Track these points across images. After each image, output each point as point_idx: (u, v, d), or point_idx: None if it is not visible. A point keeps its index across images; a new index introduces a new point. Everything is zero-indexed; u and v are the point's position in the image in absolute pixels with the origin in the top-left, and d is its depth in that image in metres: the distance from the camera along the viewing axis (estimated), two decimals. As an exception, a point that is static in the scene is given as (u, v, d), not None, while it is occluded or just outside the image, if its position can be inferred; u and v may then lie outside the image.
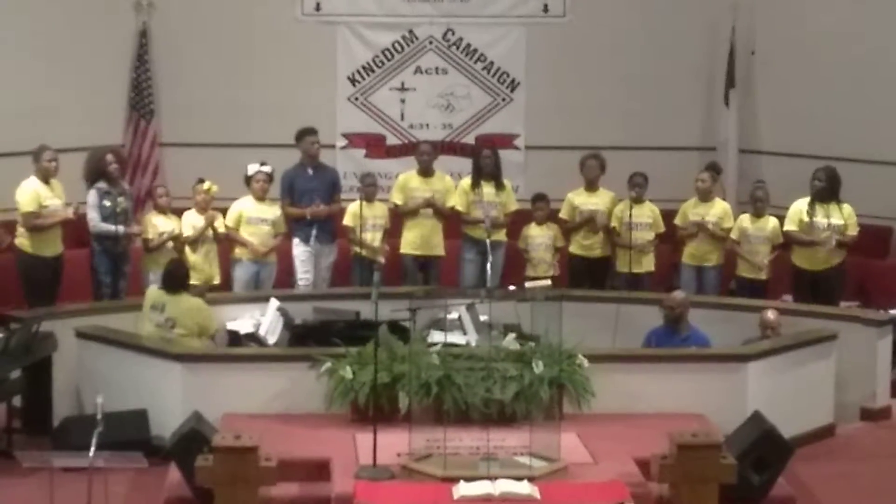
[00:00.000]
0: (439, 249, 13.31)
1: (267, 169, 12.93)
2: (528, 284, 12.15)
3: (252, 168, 12.92)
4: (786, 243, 12.86)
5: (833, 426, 11.18)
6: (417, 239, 13.24)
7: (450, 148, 15.18)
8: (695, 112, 15.33)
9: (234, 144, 14.36)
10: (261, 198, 12.90)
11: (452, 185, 13.48)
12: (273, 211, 12.93)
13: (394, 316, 10.02)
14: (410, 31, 15.29)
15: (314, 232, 13.07)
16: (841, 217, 12.57)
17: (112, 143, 13.94)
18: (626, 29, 15.16)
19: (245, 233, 12.84)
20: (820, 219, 12.60)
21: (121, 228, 12.32)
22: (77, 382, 10.88)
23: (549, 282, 12.43)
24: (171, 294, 11.15)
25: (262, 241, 12.83)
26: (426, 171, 13.42)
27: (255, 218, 12.86)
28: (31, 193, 12.20)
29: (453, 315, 11.15)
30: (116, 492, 9.28)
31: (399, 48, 15.30)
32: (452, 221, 13.42)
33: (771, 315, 11.40)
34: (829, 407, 11.16)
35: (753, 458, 9.27)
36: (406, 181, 13.44)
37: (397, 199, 13.32)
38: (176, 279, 11.28)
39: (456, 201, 13.30)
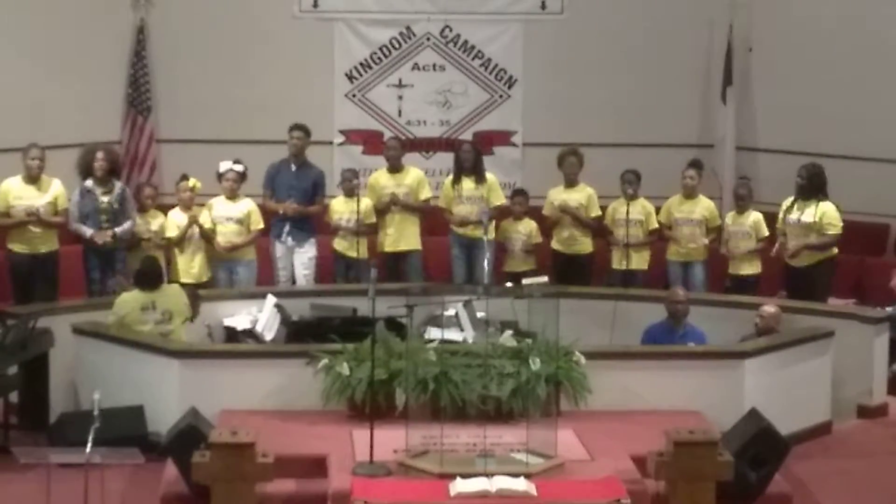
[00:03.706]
0: (414, 243, 13.29)
1: (238, 168, 12.83)
2: (525, 281, 12.16)
3: (224, 165, 12.86)
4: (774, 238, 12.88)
5: (829, 423, 11.19)
6: (388, 236, 13.25)
7: (447, 145, 15.19)
8: (692, 109, 15.33)
9: (231, 141, 14.34)
10: (230, 196, 12.85)
11: (423, 178, 13.50)
12: (241, 208, 12.80)
13: (391, 312, 10.03)
14: (408, 28, 15.29)
15: (287, 228, 13.06)
16: (813, 215, 12.49)
17: (109, 139, 13.96)
18: (624, 26, 15.16)
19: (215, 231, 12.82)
20: (793, 215, 12.57)
21: (89, 231, 12.28)
22: (74, 378, 10.88)
23: (545, 278, 12.44)
24: (153, 290, 11.07)
25: (227, 239, 12.76)
26: (395, 168, 13.43)
27: (221, 216, 12.78)
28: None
29: (450, 312, 11.15)
30: (113, 488, 9.29)
31: (396, 45, 15.30)
32: (435, 216, 13.42)
33: (770, 308, 11.40)
34: (825, 404, 11.16)
35: (750, 456, 9.29)
36: (376, 180, 13.46)
37: (370, 198, 13.31)
38: (152, 276, 11.15)
39: (428, 195, 13.35)
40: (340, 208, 13.14)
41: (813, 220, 12.43)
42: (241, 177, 12.87)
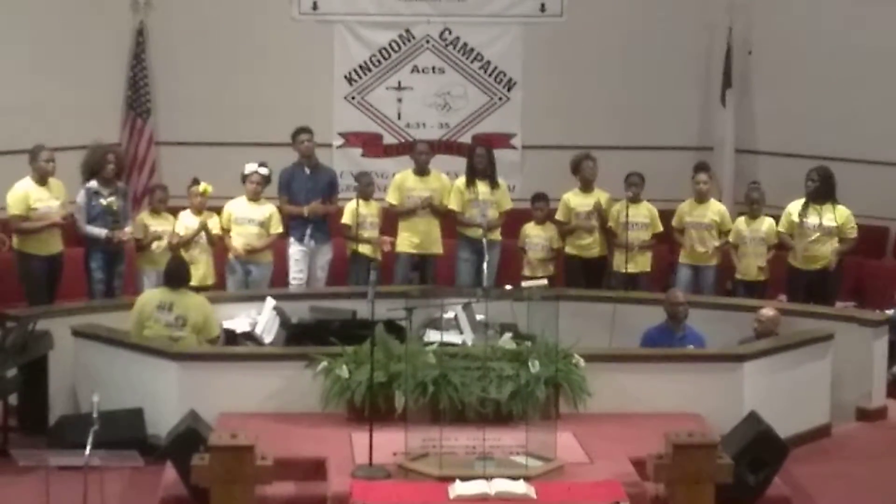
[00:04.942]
0: (437, 247, 13.33)
1: (264, 171, 12.87)
2: (524, 284, 12.15)
3: (249, 167, 12.89)
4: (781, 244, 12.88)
5: (829, 426, 11.19)
6: (416, 237, 13.24)
7: (446, 147, 15.18)
8: (691, 112, 15.33)
9: (230, 143, 14.36)
10: (253, 198, 12.87)
11: (449, 184, 13.48)
12: (263, 211, 12.85)
13: (390, 315, 10.02)
14: (407, 31, 15.29)
15: (309, 231, 13.07)
16: (834, 218, 12.54)
17: (109, 141, 13.92)
18: (623, 28, 15.16)
19: (233, 232, 12.81)
20: (811, 219, 12.58)
21: (103, 232, 12.28)
22: (73, 381, 10.88)
23: (545, 281, 12.44)
24: (175, 291, 11.09)
25: (248, 241, 12.78)
26: (422, 171, 13.42)
27: (242, 218, 12.81)
28: (20, 196, 12.16)
29: (450, 314, 11.14)
30: (112, 490, 9.28)
31: (396, 47, 15.30)
32: (449, 220, 13.42)
33: (769, 311, 11.40)
34: (825, 407, 11.16)
35: (749, 458, 9.28)
36: (402, 180, 13.43)
37: (393, 198, 13.32)
38: (178, 276, 11.22)
39: (451, 200, 13.30)
40: (361, 211, 13.03)
41: (835, 224, 12.47)
42: (266, 180, 12.89)
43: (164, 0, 14.90)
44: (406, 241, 13.25)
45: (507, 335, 10.71)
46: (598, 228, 13.19)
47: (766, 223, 12.88)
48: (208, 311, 11.18)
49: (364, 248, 13.01)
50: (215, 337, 11.23)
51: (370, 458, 9.00)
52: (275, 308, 11.81)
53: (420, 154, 13.50)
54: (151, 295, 11.22)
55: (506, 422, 9.84)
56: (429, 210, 13.22)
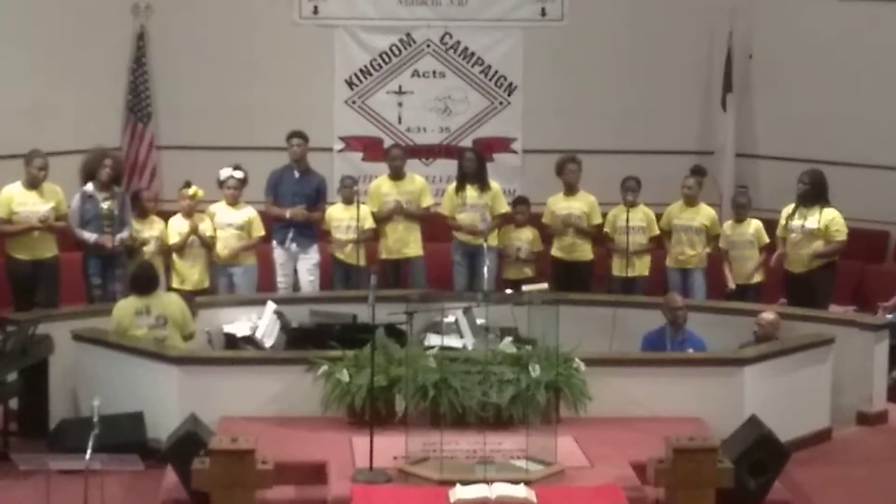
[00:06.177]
0: (415, 249, 13.31)
1: (238, 174, 12.84)
2: (525, 288, 12.16)
3: (224, 173, 12.86)
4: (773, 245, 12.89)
5: (829, 430, 11.18)
6: (390, 242, 13.26)
7: (447, 151, 15.18)
8: (692, 116, 15.33)
9: (231, 147, 14.33)
10: (231, 203, 12.85)
11: (425, 185, 13.53)
12: (242, 215, 12.83)
13: (391, 319, 10.03)
14: (408, 35, 15.30)
15: (290, 234, 13.07)
16: (818, 221, 12.51)
17: (109, 145, 13.93)
18: (624, 33, 15.16)
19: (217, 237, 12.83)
20: (796, 221, 12.58)
21: (93, 236, 12.26)
22: (73, 385, 10.88)
23: (546, 285, 12.44)
24: (147, 296, 11.02)
25: (227, 245, 12.76)
26: (397, 175, 13.43)
27: (221, 222, 12.80)
28: (2, 199, 12.22)
29: (450, 318, 11.14)
30: (112, 494, 9.28)
31: (396, 51, 15.31)
32: (436, 223, 13.43)
33: (769, 315, 11.39)
34: (825, 411, 11.16)
35: (750, 462, 9.27)
36: (378, 186, 13.45)
37: (372, 205, 13.31)
38: (146, 281, 11.08)
39: (430, 202, 13.38)
40: (339, 215, 13.15)
41: (818, 227, 12.45)
42: (242, 183, 12.88)
43: (165, 4, 14.91)
44: (383, 247, 13.27)
45: (508, 339, 10.71)
46: (577, 235, 13.17)
47: (753, 225, 12.91)
48: (184, 307, 11.15)
49: (340, 254, 13.07)
50: (191, 332, 11.15)
51: (371, 462, 9.00)
52: (275, 312, 11.82)
53: (394, 159, 13.49)
54: (125, 306, 11.01)
55: (506, 426, 9.86)
56: (402, 215, 13.22)
